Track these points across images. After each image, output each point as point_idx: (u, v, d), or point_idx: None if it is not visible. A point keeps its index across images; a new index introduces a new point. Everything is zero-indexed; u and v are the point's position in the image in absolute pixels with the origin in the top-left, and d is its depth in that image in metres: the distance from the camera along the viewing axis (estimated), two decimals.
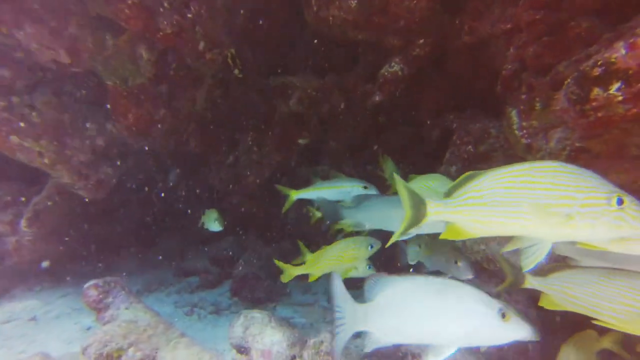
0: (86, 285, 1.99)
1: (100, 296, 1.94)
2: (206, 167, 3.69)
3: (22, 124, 2.49)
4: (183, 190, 4.02)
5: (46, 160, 2.64)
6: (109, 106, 2.75)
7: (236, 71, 2.86)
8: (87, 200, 2.92)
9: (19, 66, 2.35)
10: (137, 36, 2.40)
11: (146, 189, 3.74)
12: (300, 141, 3.15)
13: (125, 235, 3.93)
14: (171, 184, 3.88)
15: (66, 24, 2.25)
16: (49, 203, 3.03)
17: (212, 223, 2.56)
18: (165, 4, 2.12)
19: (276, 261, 1.92)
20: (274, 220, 3.85)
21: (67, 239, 3.29)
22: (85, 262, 3.78)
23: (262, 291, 3.37)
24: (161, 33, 2.22)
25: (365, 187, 2.12)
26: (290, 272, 1.82)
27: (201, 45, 2.33)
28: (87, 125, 2.78)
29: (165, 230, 4.39)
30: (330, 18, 2.65)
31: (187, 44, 2.30)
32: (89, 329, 2.56)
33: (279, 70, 3.19)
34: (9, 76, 2.31)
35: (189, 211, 4.27)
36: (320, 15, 2.66)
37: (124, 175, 3.24)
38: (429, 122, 3.36)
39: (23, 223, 2.98)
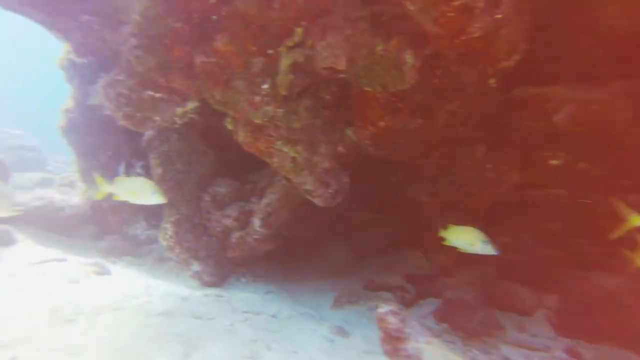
0: (383, 311, 1.86)
1: (401, 325, 1.78)
2: (412, 179, 3.46)
3: (286, 130, 2.49)
4: (380, 200, 3.87)
5: (296, 166, 2.63)
6: (355, 112, 2.65)
7: (492, 80, 2.54)
8: (318, 206, 2.86)
9: (301, 74, 2.34)
10: (406, 41, 2.23)
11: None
12: (553, 162, 2.71)
13: (317, 240, 3.93)
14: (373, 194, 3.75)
15: (376, 30, 2.16)
16: (278, 206, 3.08)
17: (479, 244, 2.19)
18: (480, 4, 1.87)
19: None
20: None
21: (279, 239, 3.35)
22: (279, 262, 3.87)
23: (475, 322, 3.03)
24: (464, 37, 1.98)
25: None
26: None
27: (501, 51, 2.04)
28: (333, 131, 2.72)
29: (344, 239, 4.32)
30: None
31: (488, 50, 2.04)
32: (332, 341, 2.50)
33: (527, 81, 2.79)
34: (297, 84, 2.31)
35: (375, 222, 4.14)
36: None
37: None
38: None
39: (257, 223, 3.06)
